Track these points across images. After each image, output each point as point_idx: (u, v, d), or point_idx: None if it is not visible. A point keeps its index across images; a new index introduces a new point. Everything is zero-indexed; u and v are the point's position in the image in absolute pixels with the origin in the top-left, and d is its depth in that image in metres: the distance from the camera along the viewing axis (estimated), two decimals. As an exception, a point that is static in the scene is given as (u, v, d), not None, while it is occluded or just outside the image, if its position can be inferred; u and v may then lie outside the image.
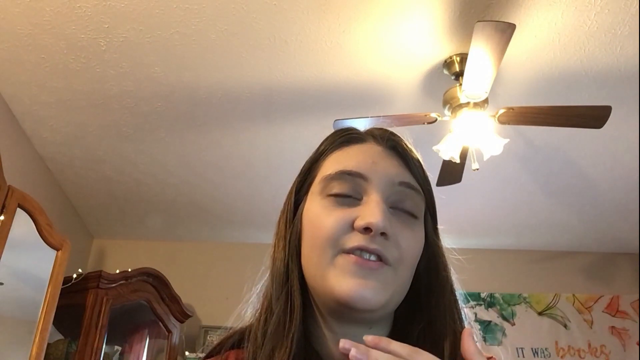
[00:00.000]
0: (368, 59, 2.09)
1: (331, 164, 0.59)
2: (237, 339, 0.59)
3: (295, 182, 0.64)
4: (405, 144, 0.62)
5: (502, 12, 1.87)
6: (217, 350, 0.60)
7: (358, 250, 0.53)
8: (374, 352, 0.45)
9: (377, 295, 0.52)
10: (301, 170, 0.64)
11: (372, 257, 0.53)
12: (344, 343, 0.46)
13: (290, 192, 0.63)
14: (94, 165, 2.78)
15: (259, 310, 0.58)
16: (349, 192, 0.56)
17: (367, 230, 0.53)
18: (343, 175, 0.57)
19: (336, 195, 0.56)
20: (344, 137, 0.62)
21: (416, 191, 0.58)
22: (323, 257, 0.54)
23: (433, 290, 0.59)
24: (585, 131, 2.32)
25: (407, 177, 0.59)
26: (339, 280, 0.52)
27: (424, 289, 0.59)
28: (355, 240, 0.53)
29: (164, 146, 2.63)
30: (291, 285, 0.56)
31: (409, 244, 0.55)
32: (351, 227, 0.54)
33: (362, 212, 0.54)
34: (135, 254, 3.47)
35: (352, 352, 0.45)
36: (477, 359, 0.47)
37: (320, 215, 0.56)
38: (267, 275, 0.60)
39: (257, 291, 0.62)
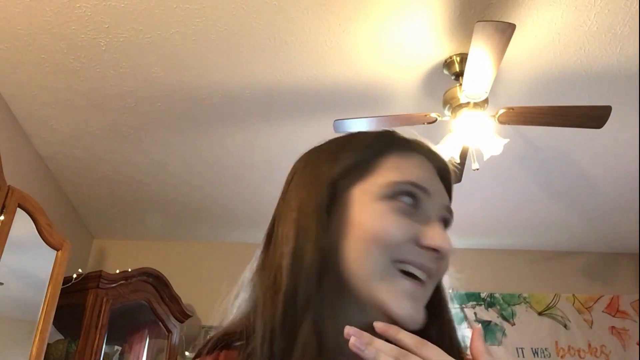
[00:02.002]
0: (368, 59, 2.09)
1: (393, 170, 0.57)
2: (227, 340, 0.57)
3: (327, 169, 0.58)
4: (449, 166, 0.63)
5: (502, 12, 1.87)
6: (208, 349, 0.57)
7: (413, 267, 0.54)
8: (378, 343, 0.45)
9: (423, 315, 0.54)
10: (339, 159, 0.59)
11: (424, 276, 0.54)
12: (348, 329, 0.46)
13: (321, 178, 0.57)
14: (94, 165, 2.78)
15: (260, 315, 0.53)
16: (413, 205, 0.56)
17: (433, 251, 0.54)
18: (413, 186, 0.56)
19: (402, 205, 0.55)
20: (401, 144, 0.60)
21: (451, 216, 0.60)
22: (378, 264, 0.53)
23: (438, 306, 0.60)
24: (585, 131, 2.32)
25: (449, 202, 0.60)
26: (394, 299, 0.52)
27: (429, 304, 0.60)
28: (418, 256, 0.54)
29: (164, 146, 2.63)
30: (323, 287, 0.52)
31: (446, 263, 0.57)
32: (414, 241, 0.54)
33: (430, 232, 0.54)
34: (135, 254, 3.47)
35: (352, 341, 0.45)
36: (485, 358, 0.48)
37: (386, 221, 0.54)
38: (271, 271, 0.55)
39: (243, 289, 0.59)
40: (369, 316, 0.53)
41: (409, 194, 0.55)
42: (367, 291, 0.53)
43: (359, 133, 0.63)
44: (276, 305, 0.52)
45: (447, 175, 0.62)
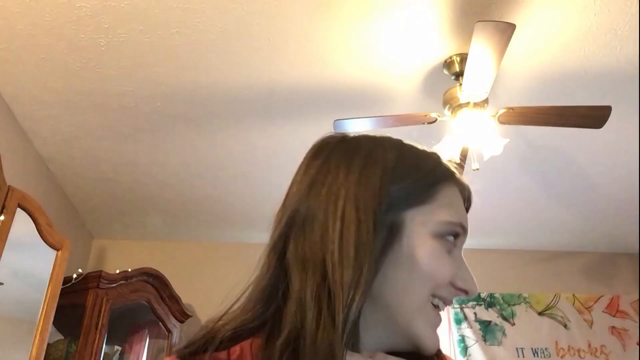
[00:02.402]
0: (368, 59, 2.09)
1: (447, 207, 0.57)
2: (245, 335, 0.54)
3: (383, 182, 0.55)
4: (471, 197, 0.64)
5: (502, 12, 1.87)
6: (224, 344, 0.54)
7: (442, 301, 0.57)
8: None
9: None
10: (397, 178, 0.56)
11: (444, 307, 0.58)
12: None
13: (374, 190, 0.54)
14: (94, 165, 2.78)
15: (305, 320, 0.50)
16: (454, 243, 0.58)
17: (464, 292, 0.57)
18: (460, 228, 0.58)
19: (448, 244, 0.57)
20: (449, 175, 0.60)
21: None
22: (422, 298, 0.55)
23: None
24: (585, 131, 2.32)
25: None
26: (427, 331, 0.55)
27: None
28: (448, 294, 0.57)
29: (164, 146, 2.63)
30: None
31: None
32: (451, 280, 0.57)
33: (463, 274, 0.57)
34: (135, 254, 3.47)
35: None
36: None
37: (441, 263, 0.55)
38: (317, 266, 0.52)
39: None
40: (391, 341, 0.55)
41: (455, 234, 0.57)
42: (404, 320, 0.54)
43: (411, 148, 0.62)
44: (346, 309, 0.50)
45: (468, 207, 0.63)
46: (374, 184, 0.55)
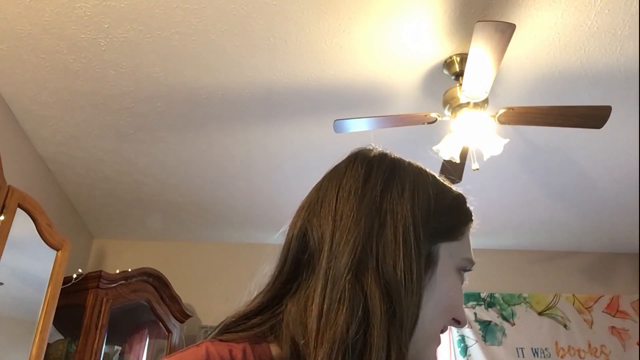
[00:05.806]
0: (368, 59, 2.09)
1: (467, 245, 0.63)
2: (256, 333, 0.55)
3: (432, 212, 0.59)
4: None
5: (502, 12, 1.87)
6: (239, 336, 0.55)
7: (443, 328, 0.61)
8: None
9: None
10: (439, 213, 0.60)
11: None
12: None
13: (423, 219, 0.58)
14: (94, 165, 2.78)
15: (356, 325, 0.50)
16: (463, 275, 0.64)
17: (457, 322, 0.61)
18: (472, 265, 0.63)
19: (463, 279, 0.62)
20: (471, 213, 0.65)
21: None
22: (439, 326, 0.59)
23: None
24: (585, 131, 2.32)
25: None
26: (434, 357, 0.59)
27: None
28: (448, 325, 0.61)
29: (164, 146, 2.63)
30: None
31: None
32: None
33: (463, 308, 0.62)
34: (135, 254, 3.48)
35: None
36: None
37: (459, 293, 0.61)
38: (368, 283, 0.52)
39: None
40: None
41: (467, 270, 0.63)
42: (420, 346, 0.57)
43: (442, 183, 0.64)
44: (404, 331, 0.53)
45: None
46: (423, 213, 0.58)
